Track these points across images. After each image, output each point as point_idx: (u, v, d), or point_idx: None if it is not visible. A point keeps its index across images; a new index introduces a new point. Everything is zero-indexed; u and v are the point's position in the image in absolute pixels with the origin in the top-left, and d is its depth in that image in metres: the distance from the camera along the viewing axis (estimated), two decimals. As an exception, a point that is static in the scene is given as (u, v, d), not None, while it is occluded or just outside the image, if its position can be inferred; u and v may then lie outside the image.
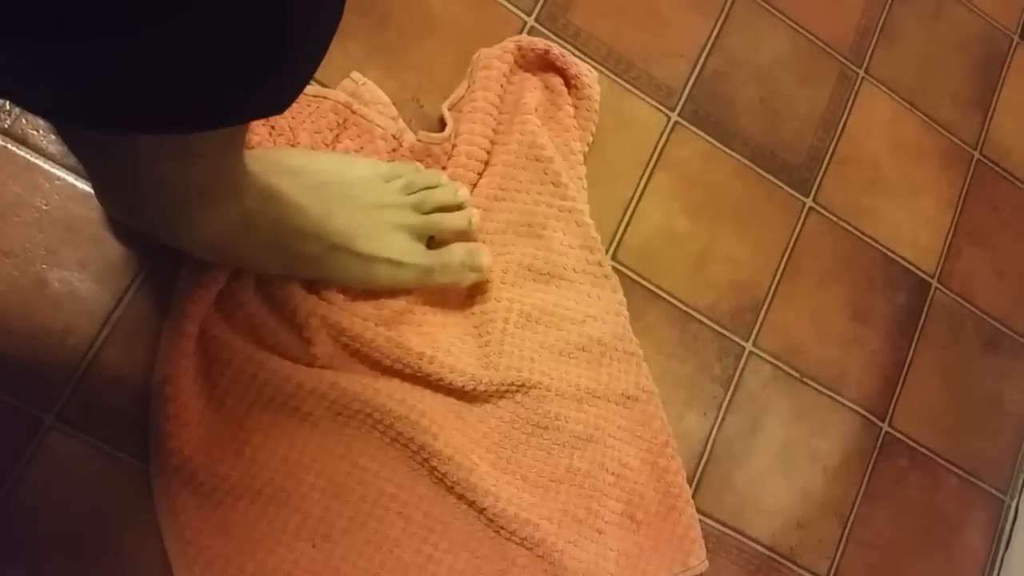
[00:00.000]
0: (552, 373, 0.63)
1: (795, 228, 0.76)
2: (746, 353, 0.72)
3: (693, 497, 0.67)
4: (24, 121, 0.57)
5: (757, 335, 0.73)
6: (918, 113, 0.84)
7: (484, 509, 0.58)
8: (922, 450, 0.77)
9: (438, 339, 0.61)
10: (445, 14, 0.69)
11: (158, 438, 0.53)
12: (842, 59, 0.82)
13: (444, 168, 0.64)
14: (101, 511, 0.53)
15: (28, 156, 0.56)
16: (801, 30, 0.81)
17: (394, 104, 0.65)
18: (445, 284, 0.61)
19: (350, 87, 0.63)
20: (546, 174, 0.65)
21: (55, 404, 0.54)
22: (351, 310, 0.58)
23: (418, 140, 0.64)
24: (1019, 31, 0.92)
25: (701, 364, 0.70)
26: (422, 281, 0.60)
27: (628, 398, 0.65)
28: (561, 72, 0.68)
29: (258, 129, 0.60)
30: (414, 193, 0.60)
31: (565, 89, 0.68)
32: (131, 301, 0.56)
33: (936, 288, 0.81)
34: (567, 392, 0.63)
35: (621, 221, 0.70)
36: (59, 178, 0.57)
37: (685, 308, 0.71)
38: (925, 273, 0.81)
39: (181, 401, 0.53)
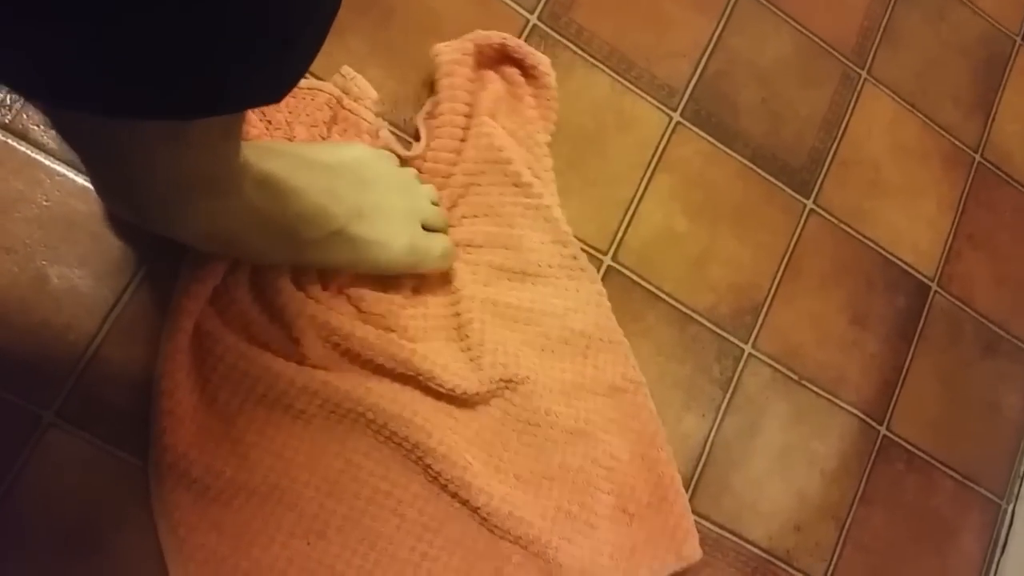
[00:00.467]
0: (537, 369, 0.63)
1: (795, 230, 0.76)
2: (745, 355, 0.72)
3: (691, 499, 0.67)
4: (25, 116, 0.57)
5: (756, 337, 0.73)
6: (920, 115, 0.84)
7: (478, 508, 0.58)
8: (919, 454, 0.77)
9: (423, 342, 0.61)
10: (447, 12, 0.69)
11: (153, 433, 0.53)
12: (844, 60, 0.82)
13: None
14: (100, 508, 0.53)
15: (29, 152, 0.56)
16: (804, 31, 0.81)
17: (395, 101, 0.65)
18: (431, 270, 0.61)
19: (340, 82, 0.63)
20: (507, 175, 0.65)
21: (55, 401, 0.54)
22: (337, 309, 0.58)
23: (399, 152, 0.63)
24: (1021, 33, 0.92)
25: (700, 366, 0.70)
26: (414, 266, 0.60)
27: (616, 390, 0.65)
28: (518, 63, 0.68)
29: (255, 123, 0.60)
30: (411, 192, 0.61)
31: (523, 80, 0.68)
32: (131, 298, 0.56)
33: (936, 291, 0.81)
34: (554, 387, 0.63)
35: (622, 222, 0.70)
36: (60, 174, 0.57)
37: (685, 309, 0.71)
38: (925, 276, 0.81)
39: (176, 397, 0.53)
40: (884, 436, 0.76)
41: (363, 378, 0.58)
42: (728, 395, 0.71)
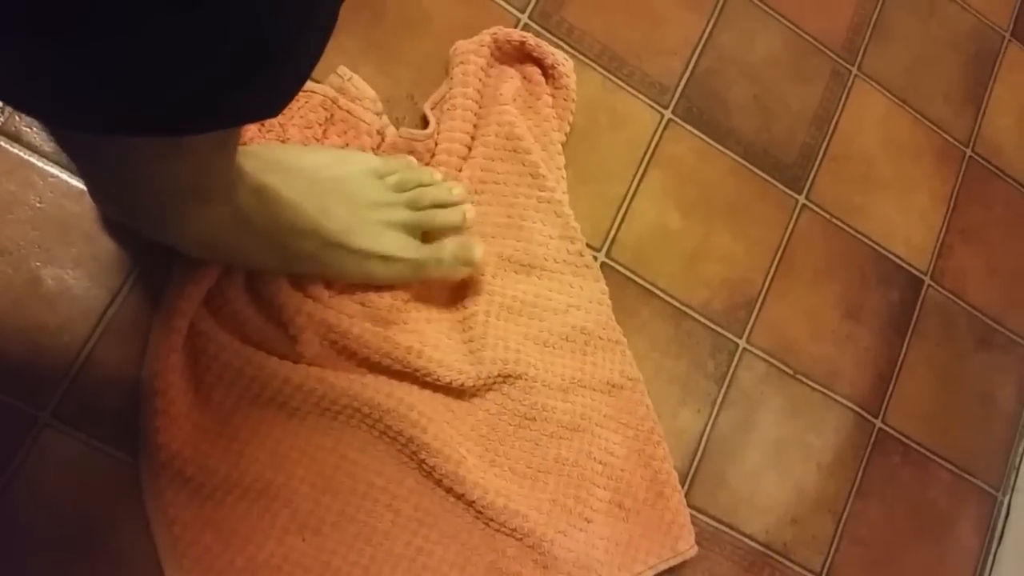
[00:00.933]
0: (537, 364, 0.63)
1: (788, 225, 0.77)
2: (739, 350, 0.72)
3: (687, 494, 0.67)
4: (18, 119, 0.57)
5: (751, 332, 0.73)
6: (910, 110, 0.85)
7: (473, 501, 0.59)
8: (915, 446, 0.77)
9: (425, 335, 0.61)
10: (438, 11, 0.69)
11: (146, 433, 0.53)
12: (835, 56, 0.82)
13: (427, 165, 0.65)
14: (96, 508, 0.53)
15: (22, 153, 0.57)
16: (794, 27, 0.81)
17: (388, 101, 0.65)
18: (437, 278, 0.61)
19: (336, 82, 0.63)
20: (524, 165, 0.65)
21: (50, 402, 0.54)
22: (337, 307, 0.59)
23: (400, 136, 0.64)
24: (1011, 28, 0.92)
25: (695, 361, 0.71)
26: (416, 276, 0.60)
27: (613, 386, 0.65)
28: (538, 62, 0.69)
29: (248, 126, 0.60)
30: (408, 190, 0.60)
31: (543, 79, 0.69)
32: (125, 299, 0.56)
33: (929, 285, 0.81)
34: (552, 382, 0.63)
35: (615, 219, 0.71)
36: (53, 175, 0.57)
37: (679, 305, 0.71)
38: (918, 270, 0.81)
39: (169, 396, 0.53)
40: (879, 429, 0.76)
41: (359, 375, 0.58)
42: (723, 390, 0.71)
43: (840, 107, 0.81)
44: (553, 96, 0.69)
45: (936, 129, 0.85)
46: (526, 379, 0.62)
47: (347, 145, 0.62)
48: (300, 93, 0.61)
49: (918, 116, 0.85)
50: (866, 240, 0.79)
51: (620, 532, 0.63)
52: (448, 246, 0.60)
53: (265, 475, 0.55)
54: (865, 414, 0.76)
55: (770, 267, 0.75)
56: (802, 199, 0.78)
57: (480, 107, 0.66)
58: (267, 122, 0.61)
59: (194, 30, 0.29)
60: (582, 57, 0.72)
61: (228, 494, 0.55)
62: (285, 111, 0.61)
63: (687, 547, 0.64)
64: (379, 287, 0.60)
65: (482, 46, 0.66)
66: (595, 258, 0.69)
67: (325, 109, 0.62)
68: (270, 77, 0.34)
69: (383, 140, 0.63)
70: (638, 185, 0.72)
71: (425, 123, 0.66)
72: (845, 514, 0.73)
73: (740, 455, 0.70)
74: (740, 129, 0.77)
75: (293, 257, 0.55)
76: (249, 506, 0.55)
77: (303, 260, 0.56)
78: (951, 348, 0.81)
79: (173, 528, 0.53)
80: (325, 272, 0.58)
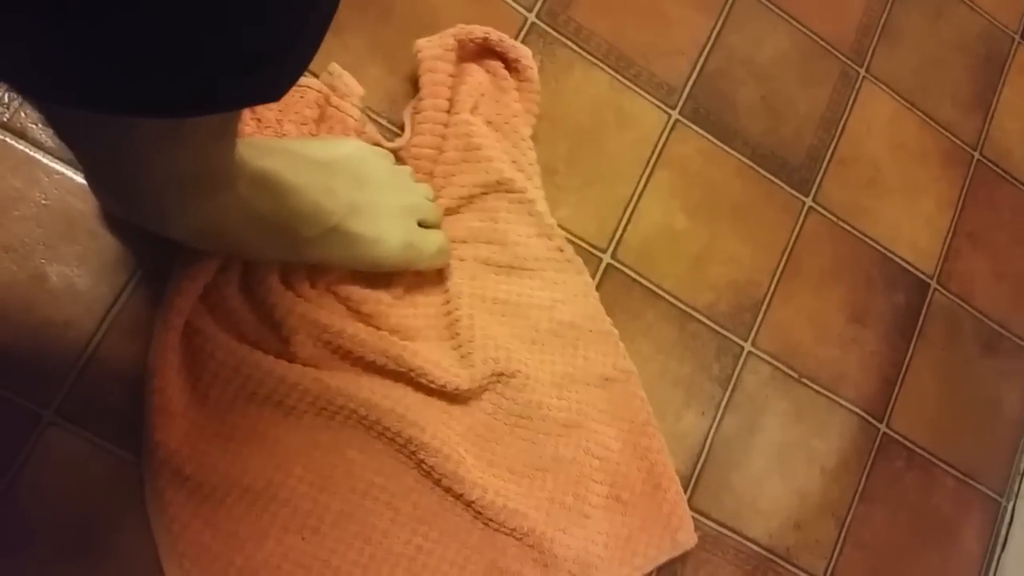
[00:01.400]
0: (528, 361, 0.63)
1: (795, 228, 0.76)
2: (745, 353, 0.72)
3: (690, 497, 0.67)
4: (23, 115, 0.57)
5: (756, 335, 0.73)
6: (919, 113, 0.84)
7: (472, 501, 0.59)
8: (919, 451, 0.77)
9: (415, 341, 0.61)
10: (446, 10, 0.69)
11: (146, 431, 0.53)
12: (843, 58, 0.82)
13: None
14: (99, 506, 0.53)
15: (27, 150, 0.56)
16: (802, 29, 0.81)
17: (394, 100, 0.65)
18: (427, 266, 0.61)
19: (327, 79, 0.63)
20: (488, 174, 0.65)
21: (54, 399, 0.54)
22: (328, 308, 0.58)
23: (383, 144, 0.63)
24: (1020, 31, 0.92)
25: (700, 364, 0.70)
26: (411, 264, 0.60)
27: (607, 380, 0.65)
28: (501, 57, 0.68)
29: (245, 121, 0.60)
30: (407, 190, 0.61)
31: (507, 73, 0.68)
32: (130, 296, 0.56)
33: (935, 289, 0.81)
34: (545, 379, 0.63)
35: (621, 219, 0.70)
36: (58, 172, 0.57)
37: (684, 307, 0.71)
38: (924, 274, 0.81)
39: (167, 394, 0.53)
40: (884, 434, 0.76)
41: (354, 375, 0.58)
42: (728, 393, 0.71)
43: (848, 109, 0.81)
44: (519, 90, 0.68)
45: (944, 132, 0.85)
46: (519, 377, 0.62)
47: None
48: (297, 88, 0.62)
49: (926, 119, 0.84)
50: (873, 243, 0.79)
51: (619, 526, 0.63)
52: (439, 233, 0.62)
53: (264, 474, 0.55)
54: (870, 418, 0.75)
55: (776, 269, 0.75)
56: (809, 201, 0.77)
57: (451, 115, 0.66)
58: (263, 118, 0.61)
59: (201, 9, 0.29)
60: (589, 57, 0.72)
61: (227, 493, 0.54)
62: (282, 106, 0.61)
63: (687, 538, 0.64)
64: (364, 286, 0.60)
65: (447, 50, 0.65)
66: (600, 259, 0.69)
67: (319, 106, 0.62)
68: (274, 59, 0.34)
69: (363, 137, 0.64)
70: (645, 186, 0.72)
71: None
72: (848, 519, 0.73)
73: (744, 459, 0.70)
74: (747, 130, 0.76)
75: (297, 243, 0.55)
76: (248, 505, 0.55)
77: (307, 245, 0.55)
78: (957, 353, 0.80)
79: (172, 527, 0.53)
80: (331, 257, 0.57)
